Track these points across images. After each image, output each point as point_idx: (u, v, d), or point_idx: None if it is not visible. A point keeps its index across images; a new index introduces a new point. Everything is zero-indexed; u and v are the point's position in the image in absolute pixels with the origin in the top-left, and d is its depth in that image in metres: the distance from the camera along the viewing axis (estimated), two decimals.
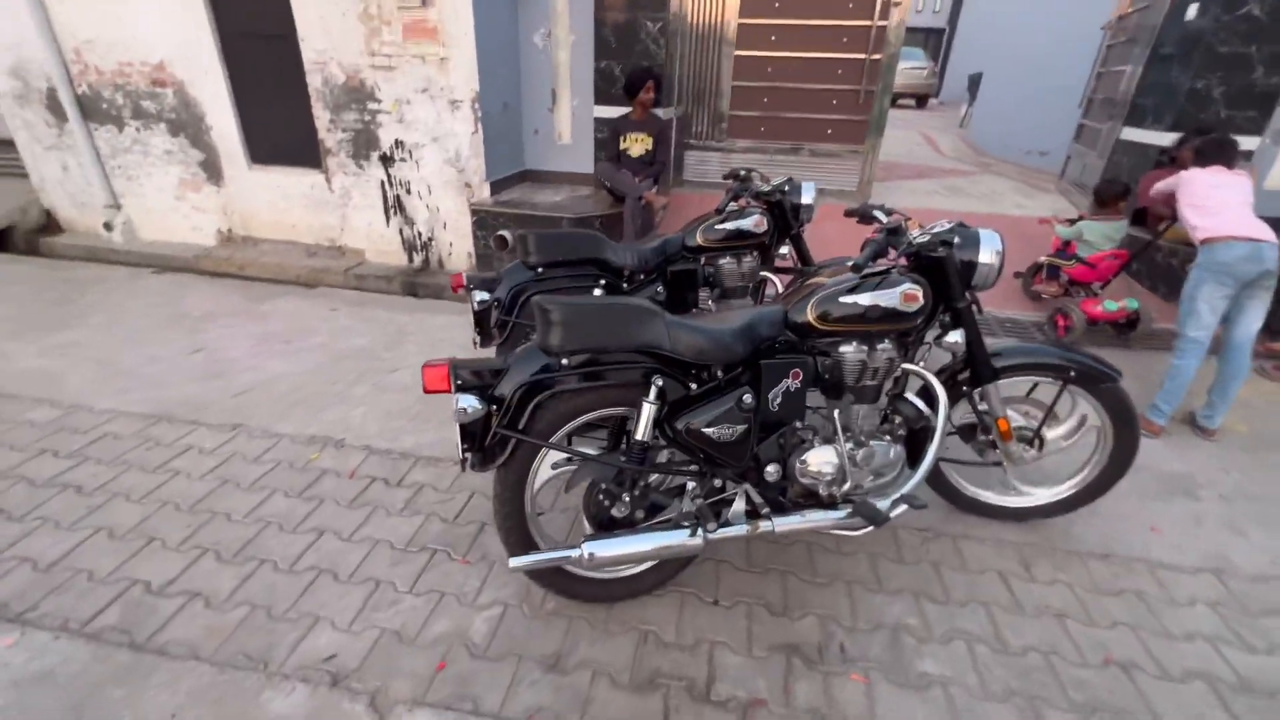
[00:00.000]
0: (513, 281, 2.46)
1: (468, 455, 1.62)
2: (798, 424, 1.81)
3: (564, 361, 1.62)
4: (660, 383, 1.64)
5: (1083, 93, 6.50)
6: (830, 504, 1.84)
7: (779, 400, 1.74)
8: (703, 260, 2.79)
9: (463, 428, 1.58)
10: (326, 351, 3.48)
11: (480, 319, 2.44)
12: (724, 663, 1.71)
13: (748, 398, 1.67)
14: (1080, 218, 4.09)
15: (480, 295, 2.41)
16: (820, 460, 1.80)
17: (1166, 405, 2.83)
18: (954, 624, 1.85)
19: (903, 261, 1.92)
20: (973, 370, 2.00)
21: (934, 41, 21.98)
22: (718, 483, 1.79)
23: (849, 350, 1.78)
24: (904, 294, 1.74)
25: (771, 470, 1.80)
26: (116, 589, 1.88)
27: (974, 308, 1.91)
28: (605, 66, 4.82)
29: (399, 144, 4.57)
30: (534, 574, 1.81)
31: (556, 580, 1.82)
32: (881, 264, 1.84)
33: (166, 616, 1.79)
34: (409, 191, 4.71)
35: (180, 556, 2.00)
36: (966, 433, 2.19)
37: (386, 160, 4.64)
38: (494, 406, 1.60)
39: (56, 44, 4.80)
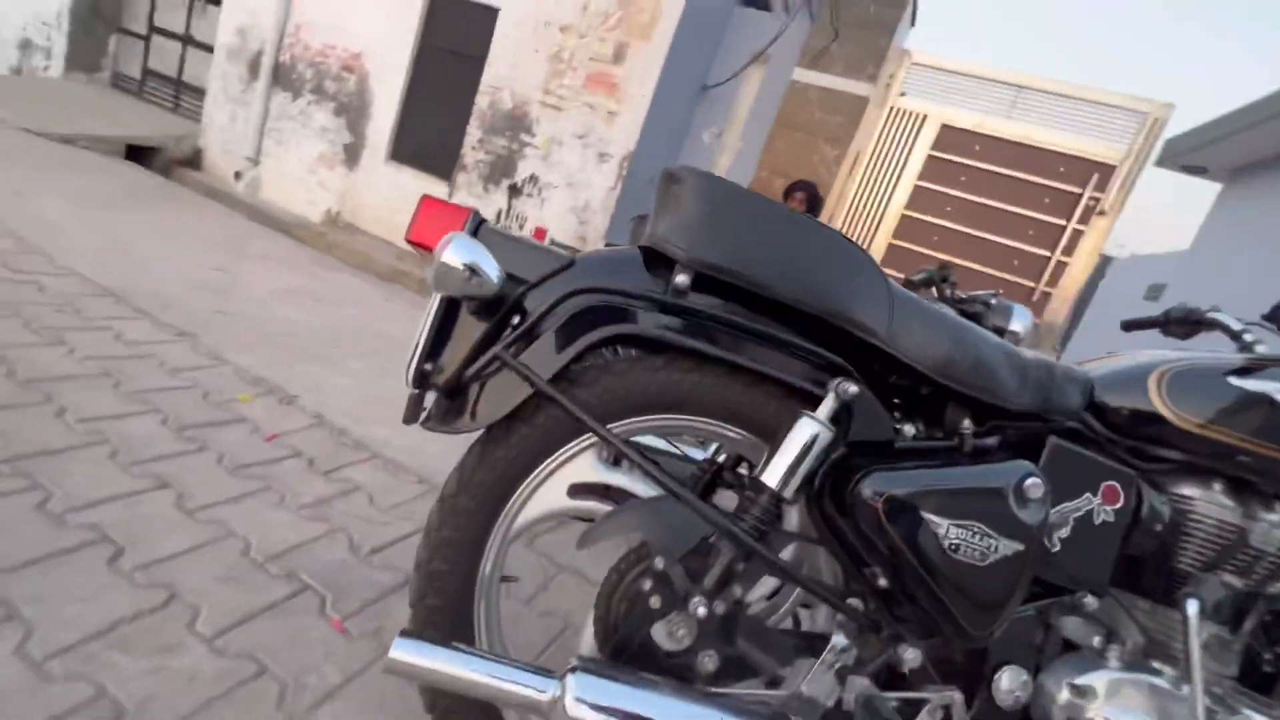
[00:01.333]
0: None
1: (429, 377, 0.80)
2: (1087, 599, 0.85)
3: (679, 280, 0.81)
4: (852, 391, 0.78)
5: None
6: None
7: (1064, 535, 0.81)
8: None
9: (447, 305, 0.78)
10: (353, 321, 2.85)
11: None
12: None
13: (1035, 486, 0.75)
14: None
15: None
16: (1125, 699, 0.80)
17: None
18: None
19: None
20: None
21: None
22: (909, 654, 0.80)
23: (1208, 498, 0.86)
24: None
25: (1008, 680, 0.81)
26: None
27: None
28: (764, 178, 4.54)
29: (533, 179, 4.33)
30: (434, 695, 0.83)
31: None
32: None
33: None
34: (521, 227, 4.38)
35: None
36: None
37: (514, 190, 4.39)
38: (518, 311, 0.80)
39: (285, 16, 5.21)
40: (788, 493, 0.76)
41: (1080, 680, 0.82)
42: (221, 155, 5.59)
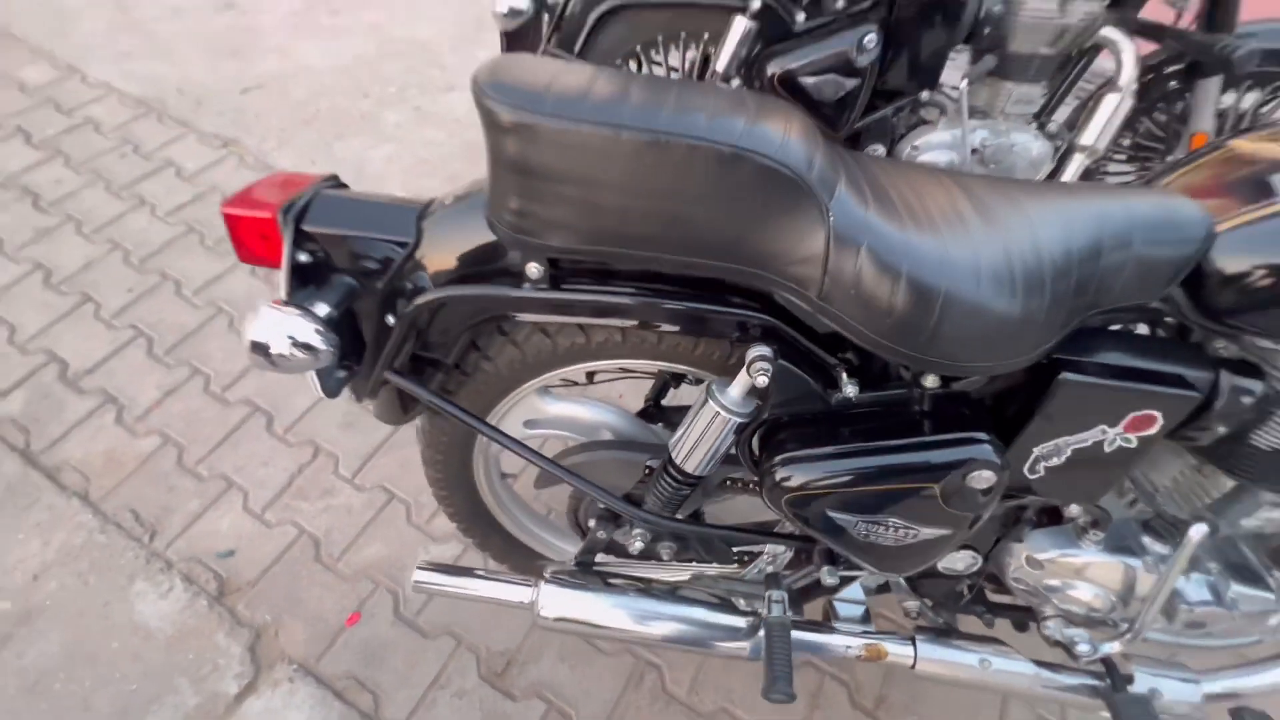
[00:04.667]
0: None
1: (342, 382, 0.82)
2: (1072, 507, 0.77)
3: (532, 271, 0.65)
4: (762, 380, 0.64)
5: None
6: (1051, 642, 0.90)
7: (1056, 464, 0.68)
8: None
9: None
10: (376, 38, 2.51)
11: (515, 48, 1.35)
12: None
13: (982, 478, 0.63)
14: None
15: (512, 2, 1.26)
16: (1085, 579, 0.80)
17: None
18: None
19: None
20: None
21: None
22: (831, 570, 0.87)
23: None
24: None
25: (959, 560, 0.84)
26: (31, 364, 1.49)
27: None
28: None
29: None
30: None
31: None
32: None
33: (72, 422, 1.40)
34: None
35: (110, 335, 1.55)
36: None
37: None
38: (386, 314, 0.73)
39: None
40: (696, 469, 0.73)
41: (1052, 554, 0.81)
42: None
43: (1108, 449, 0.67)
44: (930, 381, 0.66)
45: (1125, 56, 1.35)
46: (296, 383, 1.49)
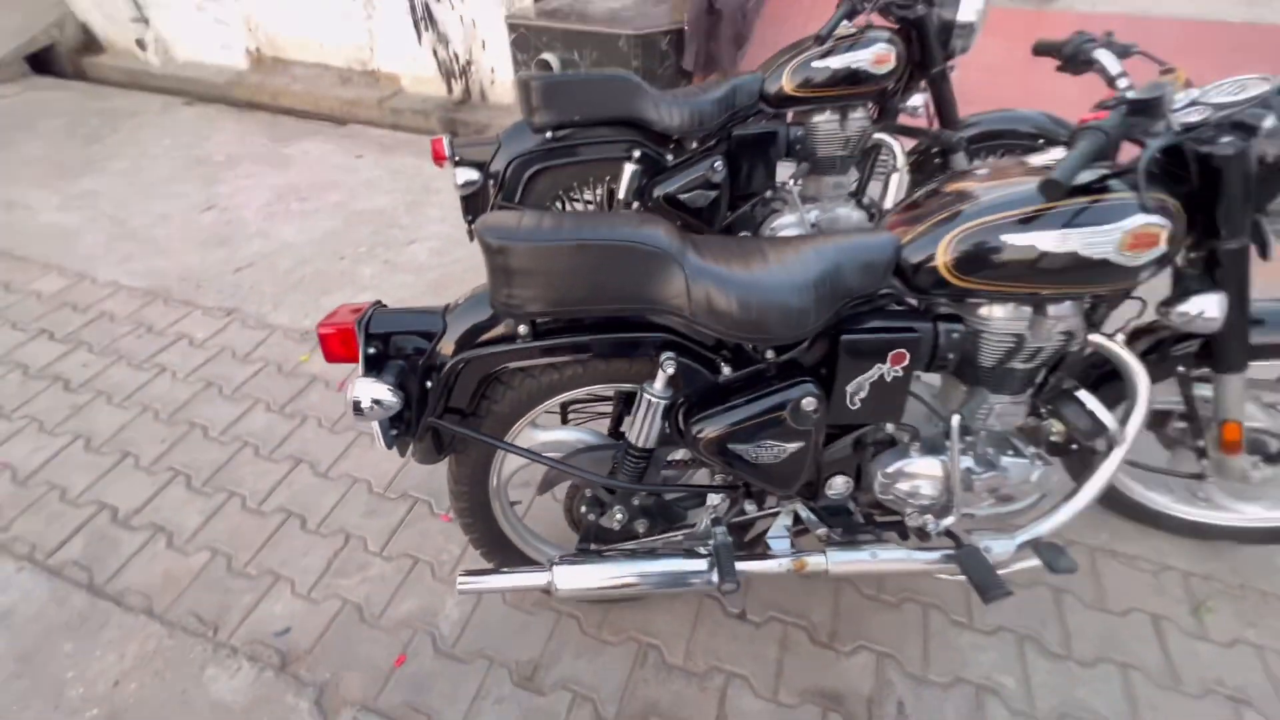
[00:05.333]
0: (512, 151, 1.79)
1: (395, 438, 1.16)
2: (888, 425, 1.19)
3: (520, 330, 1.05)
4: (672, 367, 1.05)
5: None
6: (918, 536, 1.28)
7: (863, 395, 1.10)
8: (789, 116, 1.93)
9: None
10: (341, 213, 3.03)
11: (471, 206, 1.84)
12: (739, 706, 1.34)
13: (809, 402, 1.05)
14: None
15: (466, 175, 1.77)
16: (917, 477, 1.19)
17: None
18: (1072, 694, 1.34)
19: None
20: (1215, 350, 1.21)
21: None
22: (752, 503, 1.25)
23: (1001, 316, 1.07)
24: (1134, 232, 0.95)
25: (838, 484, 1.23)
26: (84, 514, 1.73)
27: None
28: None
29: None
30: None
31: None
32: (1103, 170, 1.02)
33: (128, 555, 1.64)
34: None
35: (150, 479, 1.82)
36: (1155, 419, 1.45)
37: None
38: (426, 381, 1.10)
39: None
40: (645, 443, 1.11)
41: (891, 467, 1.20)
42: (109, 25, 5.02)
43: (888, 379, 1.09)
44: (771, 355, 1.08)
45: (895, 150, 1.98)
46: (322, 487, 1.78)
